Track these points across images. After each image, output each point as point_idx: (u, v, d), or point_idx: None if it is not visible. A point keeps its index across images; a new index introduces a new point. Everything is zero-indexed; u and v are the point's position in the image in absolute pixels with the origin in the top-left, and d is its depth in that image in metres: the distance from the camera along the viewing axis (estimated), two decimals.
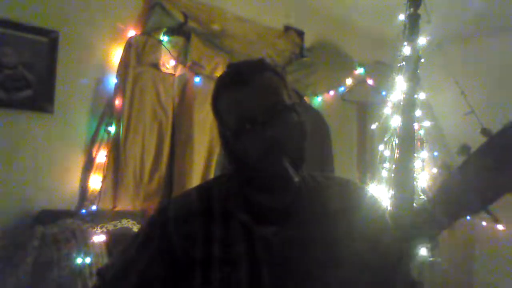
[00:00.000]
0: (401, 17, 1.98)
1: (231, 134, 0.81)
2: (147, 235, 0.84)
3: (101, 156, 2.03)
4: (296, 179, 0.77)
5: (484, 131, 0.77)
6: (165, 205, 0.87)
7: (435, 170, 2.62)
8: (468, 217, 2.98)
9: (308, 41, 2.96)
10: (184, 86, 2.32)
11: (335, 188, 0.90)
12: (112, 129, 2.05)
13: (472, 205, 0.75)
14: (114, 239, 1.85)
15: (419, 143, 2.26)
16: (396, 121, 1.98)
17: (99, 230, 1.84)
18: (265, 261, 0.77)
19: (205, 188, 0.90)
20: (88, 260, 1.73)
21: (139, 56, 2.11)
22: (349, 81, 3.14)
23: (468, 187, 0.75)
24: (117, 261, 0.85)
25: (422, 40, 1.96)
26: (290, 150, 0.78)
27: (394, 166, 1.94)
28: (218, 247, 0.78)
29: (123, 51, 2.09)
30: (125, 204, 2.06)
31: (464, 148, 0.79)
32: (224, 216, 0.82)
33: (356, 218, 0.84)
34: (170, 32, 2.22)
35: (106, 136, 2.05)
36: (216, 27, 2.42)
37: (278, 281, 0.76)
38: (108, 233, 1.87)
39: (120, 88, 2.07)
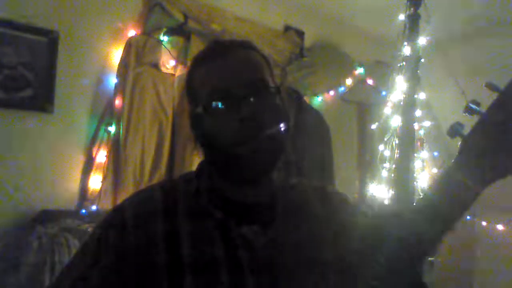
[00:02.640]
0: (401, 17, 1.99)
1: (201, 110, 0.69)
2: (99, 243, 0.68)
3: (101, 156, 2.03)
4: (273, 171, 0.69)
5: (489, 86, 0.65)
6: (121, 204, 0.73)
7: (435, 170, 2.62)
8: (468, 217, 2.98)
9: (308, 41, 2.96)
10: (184, 86, 2.31)
11: (312, 191, 0.82)
12: (112, 129, 2.05)
13: (498, 167, 0.62)
14: None
15: (419, 143, 2.26)
16: (396, 121, 1.99)
17: None
18: (248, 264, 0.67)
19: (169, 183, 0.77)
20: None
21: (139, 56, 2.11)
22: (349, 81, 3.14)
23: (488, 147, 0.63)
24: (64, 280, 0.68)
25: (422, 40, 1.96)
26: (268, 136, 0.66)
27: (394, 166, 1.95)
28: (189, 249, 0.66)
29: (123, 51, 2.09)
30: None
31: (456, 127, 0.67)
32: (194, 214, 0.70)
33: (337, 222, 0.77)
34: (170, 32, 2.22)
35: (106, 136, 2.05)
36: (216, 27, 2.41)
37: (263, 286, 0.67)
38: None
39: (120, 88, 2.07)
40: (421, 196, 0.74)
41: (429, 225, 0.68)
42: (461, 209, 0.67)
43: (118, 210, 0.72)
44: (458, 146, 0.67)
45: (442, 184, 0.68)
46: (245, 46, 0.74)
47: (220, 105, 0.67)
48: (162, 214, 0.69)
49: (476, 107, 0.65)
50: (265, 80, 0.70)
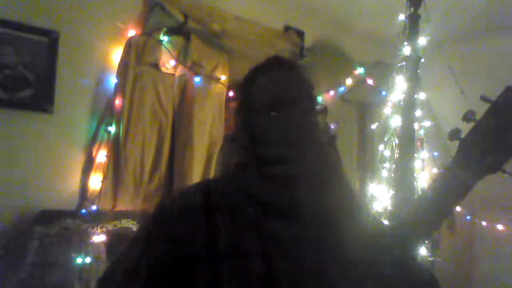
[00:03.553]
0: (401, 17, 1.99)
1: (258, 111, 0.81)
2: (146, 237, 0.78)
3: (101, 156, 2.03)
4: (302, 177, 0.76)
5: (484, 98, 0.81)
6: (163, 204, 0.83)
7: (435, 170, 2.62)
8: (468, 217, 2.98)
9: (308, 41, 2.96)
10: (184, 86, 2.32)
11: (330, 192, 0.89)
12: (112, 129, 2.05)
13: (489, 164, 0.78)
14: (114, 239, 1.85)
15: (419, 143, 2.26)
16: (396, 121, 1.99)
17: (99, 230, 1.84)
18: (278, 256, 0.74)
19: (204, 184, 0.85)
20: (88, 260, 1.73)
21: (139, 56, 2.11)
22: (349, 81, 3.13)
23: (482, 147, 0.78)
24: (116, 270, 0.77)
25: (422, 40, 1.96)
26: (306, 147, 0.78)
27: (394, 166, 1.95)
28: (226, 242, 0.74)
29: (123, 51, 2.09)
30: (125, 204, 2.06)
31: (455, 132, 0.82)
32: (229, 211, 0.78)
33: (356, 221, 0.83)
34: (170, 32, 2.22)
35: (106, 136, 2.05)
36: (216, 27, 2.42)
37: (293, 278, 0.73)
38: (108, 233, 1.86)
39: (120, 88, 2.07)
40: (424, 188, 0.91)
41: (428, 211, 0.83)
42: (455, 198, 0.82)
43: (162, 206, 0.82)
44: (457, 146, 0.81)
45: (442, 176, 0.83)
46: (298, 65, 0.87)
47: (269, 114, 0.79)
48: (202, 210, 0.77)
49: (472, 116, 0.81)
50: (310, 101, 0.83)
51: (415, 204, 0.90)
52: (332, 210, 0.82)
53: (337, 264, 0.76)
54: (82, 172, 2.02)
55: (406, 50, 1.94)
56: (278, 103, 0.79)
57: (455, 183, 0.80)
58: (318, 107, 0.85)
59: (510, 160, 0.78)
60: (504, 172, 0.78)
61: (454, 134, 0.82)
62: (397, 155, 1.87)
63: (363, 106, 3.34)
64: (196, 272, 0.72)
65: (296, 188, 0.79)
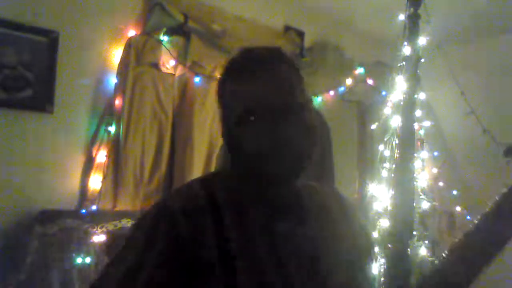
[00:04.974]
0: (401, 17, 1.99)
1: (234, 122, 0.73)
2: (148, 235, 0.70)
3: (101, 156, 2.03)
4: (296, 179, 0.74)
5: (509, 152, 0.82)
6: (165, 199, 0.77)
7: (435, 170, 2.62)
8: (468, 217, 2.98)
9: (308, 41, 2.96)
10: (184, 86, 2.32)
11: (329, 194, 0.91)
12: (112, 129, 2.05)
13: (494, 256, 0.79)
14: (114, 239, 1.85)
15: (419, 143, 2.26)
16: (396, 121, 1.98)
17: (99, 230, 1.84)
18: (291, 258, 0.72)
19: (208, 180, 0.80)
20: (88, 260, 1.73)
21: (139, 56, 2.11)
22: (349, 81, 3.13)
23: (490, 240, 0.80)
24: (115, 270, 0.69)
25: (422, 40, 1.96)
26: (294, 150, 0.71)
27: (394, 166, 1.94)
28: (237, 244, 0.69)
29: (123, 51, 2.09)
30: (125, 204, 2.06)
31: (510, 150, 0.81)
32: (236, 210, 0.73)
33: (349, 225, 0.85)
34: (170, 32, 2.22)
35: (106, 136, 2.05)
36: (216, 27, 2.42)
37: (305, 278, 0.72)
38: (108, 233, 1.86)
39: (120, 88, 2.07)
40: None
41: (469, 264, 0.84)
42: (496, 249, 0.83)
43: (162, 204, 0.75)
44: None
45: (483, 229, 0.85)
46: (278, 59, 0.75)
47: (251, 121, 0.70)
48: (207, 209, 0.72)
49: None
50: (297, 100, 0.73)
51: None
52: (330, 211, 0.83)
53: (344, 266, 0.77)
54: (82, 172, 2.02)
55: (406, 50, 1.94)
56: (251, 112, 0.71)
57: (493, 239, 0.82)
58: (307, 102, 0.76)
59: None
60: None
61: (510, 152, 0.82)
62: (397, 155, 1.87)
63: (363, 106, 3.34)
64: (209, 279, 0.67)
65: (293, 189, 0.79)
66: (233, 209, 0.73)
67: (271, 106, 0.70)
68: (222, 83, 0.78)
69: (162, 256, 0.67)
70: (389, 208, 1.95)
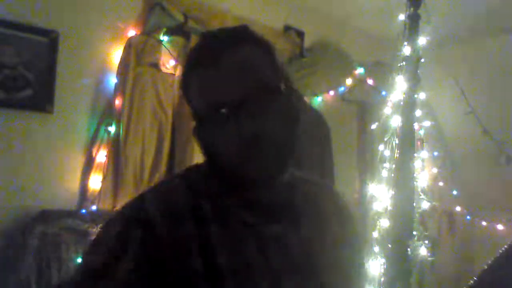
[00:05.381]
0: (401, 17, 1.99)
1: (198, 120, 0.66)
2: (119, 239, 0.60)
3: (101, 156, 2.03)
4: (282, 174, 0.65)
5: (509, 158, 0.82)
6: (141, 198, 0.66)
7: (435, 170, 2.62)
8: (468, 217, 2.99)
9: (308, 41, 2.96)
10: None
11: (320, 187, 0.83)
12: (112, 129, 2.05)
13: None
14: None
15: (419, 143, 2.26)
16: (396, 121, 1.99)
17: None
18: (281, 262, 0.65)
19: (186, 178, 0.70)
20: None
21: (139, 56, 2.11)
22: (349, 81, 3.13)
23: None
24: (80, 278, 0.60)
25: (422, 40, 1.96)
26: (273, 145, 0.61)
27: (394, 166, 1.95)
28: (224, 254, 0.61)
29: (123, 51, 2.09)
30: None
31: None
32: (221, 214, 0.65)
33: (341, 222, 0.80)
34: (170, 32, 2.22)
35: (106, 136, 2.05)
36: (216, 27, 2.41)
37: (298, 280, 0.66)
38: None
39: (120, 88, 2.07)
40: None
41: None
42: None
43: (138, 204, 0.65)
44: None
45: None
46: (240, 40, 0.66)
47: (216, 117, 0.62)
48: (190, 212, 0.63)
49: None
50: (266, 81, 0.63)
51: None
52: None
53: (340, 268, 0.74)
54: (82, 172, 2.02)
55: (406, 50, 1.94)
56: (215, 108, 0.62)
57: None
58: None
59: None
60: None
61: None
62: (397, 155, 1.87)
63: (363, 106, 3.34)
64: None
65: (278, 188, 0.69)
66: (217, 213, 0.65)
67: (236, 97, 0.60)
68: (183, 76, 0.68)
69: (132, 271, 0.58)
70: (389, 208, 1.95)
